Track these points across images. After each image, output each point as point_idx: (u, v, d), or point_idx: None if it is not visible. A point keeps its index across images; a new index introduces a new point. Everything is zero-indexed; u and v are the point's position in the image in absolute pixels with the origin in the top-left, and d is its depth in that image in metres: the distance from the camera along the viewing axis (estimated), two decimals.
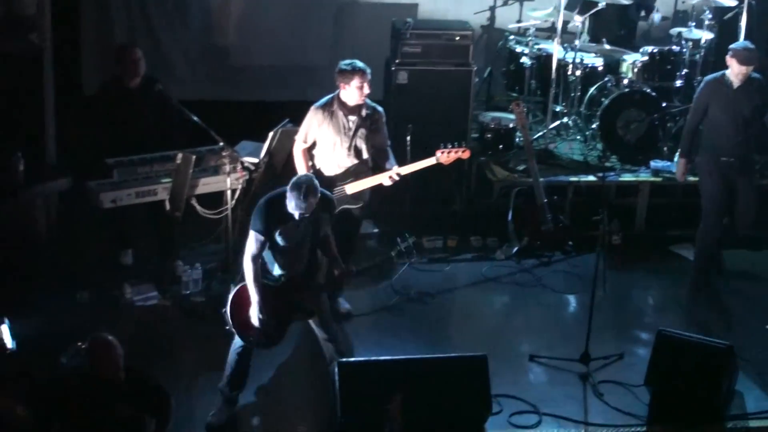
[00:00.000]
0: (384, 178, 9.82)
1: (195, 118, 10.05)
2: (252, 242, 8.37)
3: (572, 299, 10.87)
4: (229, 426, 8.64)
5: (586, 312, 9.51)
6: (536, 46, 12.87)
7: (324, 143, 9.80)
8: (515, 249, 11.43)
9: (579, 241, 11.37)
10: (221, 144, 10.04)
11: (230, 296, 8.49)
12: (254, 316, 8.39)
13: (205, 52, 13.68)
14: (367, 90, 9.67)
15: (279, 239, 8.42)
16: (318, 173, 9.75)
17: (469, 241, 11.80)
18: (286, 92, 13.61)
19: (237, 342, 8.59)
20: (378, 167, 9.97)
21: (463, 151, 9.94)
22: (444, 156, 9.90)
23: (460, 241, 11.77)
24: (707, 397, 8.82)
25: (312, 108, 9.86)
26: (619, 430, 8.78)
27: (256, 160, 10.31)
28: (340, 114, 9.73)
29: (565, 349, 9.71)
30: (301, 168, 9.81)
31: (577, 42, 12.55)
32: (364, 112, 9.76)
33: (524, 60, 12.88)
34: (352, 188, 9.80)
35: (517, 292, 10.96)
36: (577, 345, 9.53)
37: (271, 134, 10.23)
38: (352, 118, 9.74)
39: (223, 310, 8.51)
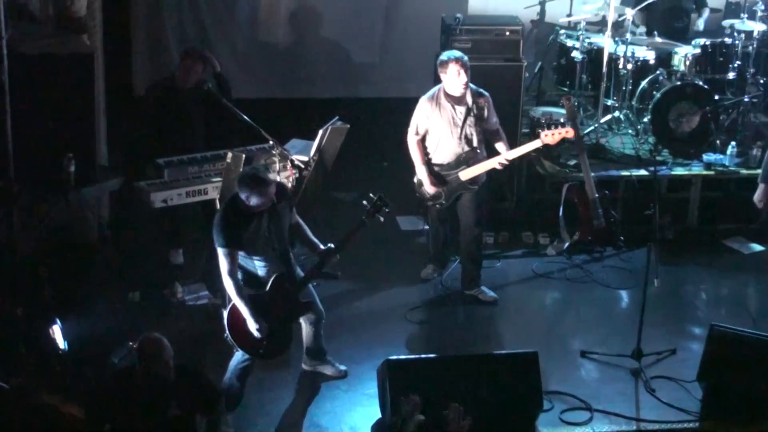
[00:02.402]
0: (494, 163, 10.09)
1: (245, 117, 10.07)
2: (223, 259, 8.34)
3: (624, 295, 10.80)
4: None
5: (638, 307, 9.46)
6: (587, 40, 12.78)
7: (434, 134, 10.11)
8: (566, 244, 11.38)
9: (630, 236, 11.31)
10: (271, 142, 10.04)
11: (225, 319, 8.45)
12: (253, 328, 8.34)
13: (255, 50, 13.72)
14: (465, 77, 9.87)
15: (247, 244, 8.40)
16: (431, 163, 10.15)
17: (520, 236, 11.77)
18: (336, 89, 13.66)
19: (239, 357, 8.57)
20: (491, 148, 10.24)
21: (566, 131, 10.13)
22: (549, 137, 10.12)
23: (511, 237, 11.75)
24: (761, 393, 8.73)
25: (420, 100, 10.17)
26: (671, 426, 8.72)
27: (306, 158, 10.30)
28: (448, 105, 10.00)
29: (617, 345, 9.66)
30: (417, 159, 10.17)
31: (628, 35, 12.46)
32: (470, 100, 10.01)
33: (575, 54, 12.80)
34: (465, 175, 10.10)
35: (568, 287, 10.92)
36: (629, 341, 9.47)
37: (321, 132, 10.22)
38: (460, 108, 10.00)
39: (225, 335, 8.47)
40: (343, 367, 9.27)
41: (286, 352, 8.86)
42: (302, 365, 9.23)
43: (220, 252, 8.35)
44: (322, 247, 8.76)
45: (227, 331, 8.41)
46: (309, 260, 9.27)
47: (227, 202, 8.66)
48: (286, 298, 8.57)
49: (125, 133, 11.47)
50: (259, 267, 8.53)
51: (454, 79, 9.88)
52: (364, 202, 8.89)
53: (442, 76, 9.97)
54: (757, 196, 10.59)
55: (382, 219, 8.92)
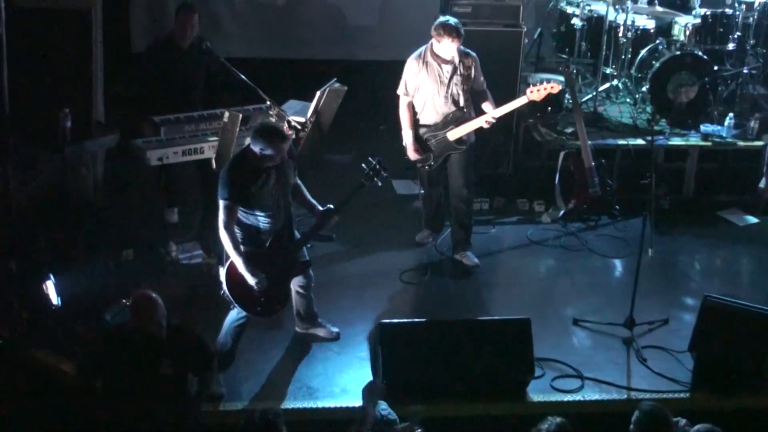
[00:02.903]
0: (481, 122, 10.12)
1: (242, 77, 10.04)
2: (222, 211, 8.29)
3: (618, 263, 10.80)
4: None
5: (632, 277, 9.47)
6: (587, 8, 12.75)
7: (421, 93, 10.13)
8: (562, 212, 11.38)
9: (626, 205, 11.32)
10: (268, 103, 10.02)
11: (223, 275, 8.44)
12: (252, 283, 8.31)
13: (254, 10, 13.68)
14: (456, 48, 9.90)
15: (254, 198, 8.35)
16: (419, 124, 10.17)
17: (516, 203, 11.77)
18: (335, 51, 13.62)
19: (234, 315, 8.56)
20: (478, 108, 10.23)
21: (551, 86, 10.10)
22: (534, 93, 10.10)
23: (506, 204, 11.76)
24: (752, 365, 8.76)
25: (408, 59, 10.18)
26: (661, 395, 8.72)
27: (303, 120, 10.28)
28: (435, 64, 10.03)
29: (610, 313, 9.67)
30: (405, 122, 10.21)
31: (628, 3, 12.41)
32: (457, 60, 10.00)
33: (575, 21, 12.77)
34: (453, 135, 10.13)
35: (562, 255, 10.93)
36: (622, 310, 9.48)
37: (318, 93, 10.19)
38: (446, 67, 10.02)
39: (222, 292, 8.46)
40: (335, 329, 9.27)
41: (281, 311, 8.85)
42: (295, 328, 9.24)
43: (221, 204, 8.30)
44: (320, 208, 8.75)
45: (224, 287, 8.40)
46: (305, 221, 9.26)
47: (237, 154, 8.63)
48: (285, 256, 8.57)
49: (123, 89, 11.42)
50: (261, 222, 8.49)
51: (446, 47, 9.89)
52: (363, 165, 8.88)
53: (435, 39, 9.94)
54: (762, 184, 10.63)
55: (380, 183, 8.92)
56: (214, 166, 9.84)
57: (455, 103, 10.10)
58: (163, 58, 10.29)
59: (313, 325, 9.23)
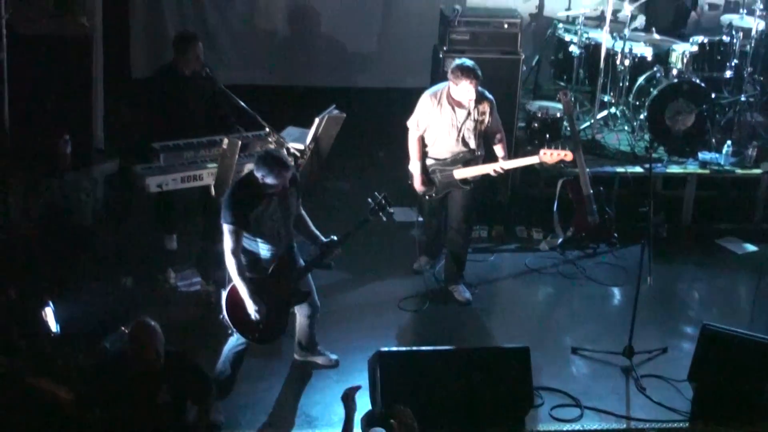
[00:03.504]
0: (489, 170, 10.11)
1: (241, 103, 10.06)
2: (228, 236, 8.28)
3: (617, 291, 10.80)
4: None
5: (630, 305, 9.46)
6: (585, 35, 12.78)
7: (432, 130, 10.11)
8: (560, 240, 11.39)
9: (624, 233, 11.32)
10: (267, 129, 10.03)
11: (224, 300, 8.43)
12: (251, 310, 8.31)
13: (253, 37, 13.70)
14: (474, 94, 9.84)
15: (254, 225, 8.36)
16: (427, 155, 10.17)
17: (514, 231, 11.77)
18: (334, 78, 13.64)
19: (233, 341, 8.55)
20: (489, 148, 10.24)
21: (565, 154, 10.15)
22: (547, 156, 10.12)
23: (505, 231, 11.76)
24: (751, 394, 8.75)
25: (423, 95, 10.15)
26: (661, 425, 8.72)
27: (301, 146, 10.28)
28: (448, 107, 9.99)
29: (609, 342, 9.66)
30: (414, 154, 10.17)
31: (626, 31, 12.44)
32: (472, 105, 9.95)
33: (573, 49, 12.80)
34: (459, 174, 10.11)
35: (561, 283, 10.92)
36: (621, 338, 9.47)
37: (317, 120, 10.20)
38: (461, 111, 9.99)
39: (221, 316, 8.46)
40: (334, 357, 9.28)
41: (280, 339, 8.84)
42: (294, 355, 9.23)
43: (226, 229, 8.29)
44: (323, 239, 8.77)
45: (224, 312, 8.39)
46: (303, 247, 9.27)
47: (240, 179, 8.67)
48: (287, 285, 8.57)
49: (123, 116, 11.43)
50: (262, 250, 8.50)
51: (463, 92, 9.83)
52: (369, 200, 8.91)
53: (452, 82, 9.87)
54: None
55: (384, 219, 8.94)
56: (213, 192, 9.86)
57: (465, 144, 10.09)
58: (167, 86, 10.29)
59: (312, 353, 9.23)
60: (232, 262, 8.28)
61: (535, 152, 10.36)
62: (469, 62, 9.88)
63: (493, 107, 10.09)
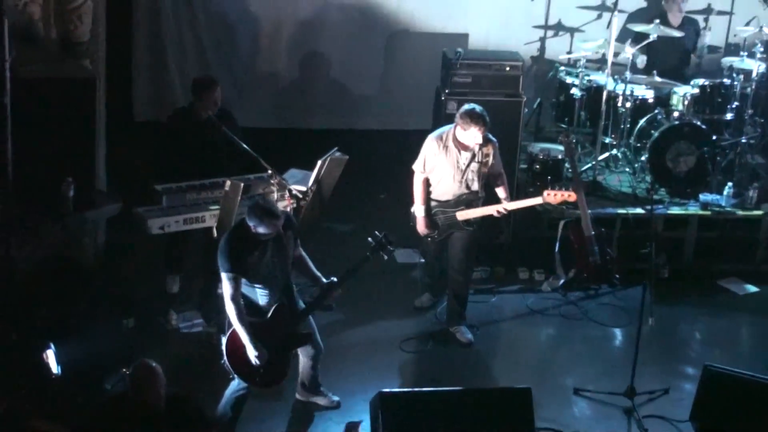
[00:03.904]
0: (492, 211, 10.19)
1: (244, 146, 10.09)
2: (226, 284, 8.35)
3: (618, 333, 10.80)
4: None
5: (632, 346, 9.47)
6: (586, 78, 12.83)
7: (437, 172, 10.18)
8: (562, 281, 11.40)
9: (626, 274, 11.31)
10: (270, 171, 10.06)
11: (224, 345, 8.46)
12: (252, 356, 8.35)
13: (255, 80, 13.75)
14: (480, 139, 9.93)
15: (251, 271, 8.43)
16: (431, 198, 10.25)
17: (516, 272, 11.78)
18: (336, 120, 13.70)
19: (235, 385, 8.59)
20: (490, 190, 10.34)
21: (569, 195, 10.26)
22: (551, 197, 10.26)
23: (507, 272, 11.77)
24: None
25: (428, 137, 10.23)
26: None
27: (304, 188, 10.31)
28: (454, 150, 10.07)
29: (610, 383, 9.66)
30: (418, 197, 10.26)
31: (627, 73, 12.49)
32: (476, 147, 10.03)
33: (574, 91, 12.84)
34: (462, 215, 10.19)
35: (562, 324, 10.93)
36: (623, 379, 9.48)
37: (319, 162, 10.23)
38: (465, 154, 10.07)
39: (222, 361, 8.49)
40: (336, 398, 9.28)
41: (282, 383, 8.83)
42: (296, 395, 9.23)
43: (224, 277, 8.36)
44: (324, 280, 8.81)
45: (225, 357, 8.41)
46: (304, 290, 9.29)
47: (234, 226, 8.75)
48: (287, 328, 8.58)
49: (126, 158, 11.46)
50: (260, 295, 8.55)
51: (471, 137, 9.92)
52: (369, 239, 8.94)
53: (460, 127, 9.94)
54: None
55: (386, 257, 8.97)
56: (215, 234, 9.88)
57: (468, 186, 10.15)
58: (185, 129, 10.31)
59: (314, 394, 9.24)
60: (232, 309, 8.33)
61: (538, 193, 10.42)
62: (478, 108, 9.95)
63: (496, 149, 10.16)
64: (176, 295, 10.71)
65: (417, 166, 10.24)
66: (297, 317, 8.69)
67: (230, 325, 8.43)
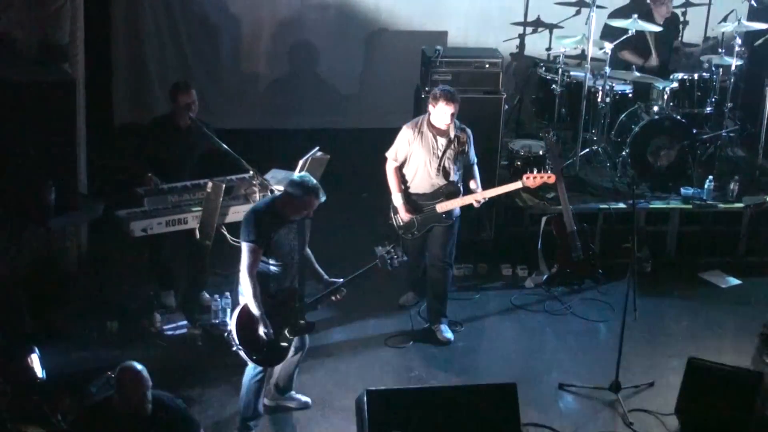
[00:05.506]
0: (472, 200, 10.20)
1: (225, 147, 10.09)
2: (246, 254, 8.36)
3: (602, 327, 10.83)
4: None
5: (616, 340, 9.48)
6: (566, 74, 12.86)
7: (413, 162, 10.19)
8: (545, 277, 11.41)
9: (609, 269, 11.33)
10: (251, 172, 10.06)
11: (234, 316, 8.46)
12: (261, 331, 8.34)
13: (236, 81, 13.75)
14: (451, 115, 9.97)
15: (273, 246, 8.44)
16: (409, 192, 10.24)
17: (499, 268, 11.79)
18: (317, 120, 13.70)
19: (251, 371, 8.61)
20: (464, 184, 10.31)
21: (548, 176, 10.30)
22: (530, 180, 10.27)
23: (490, 269, 11.78)
24: (737, 426, 8.76)
25: (403, 127, 10.25)
26: None
27: None
28: (429, 135, 10.10)
29: (596, 377, 9.70)
30: (393, 186, 10.27)
31: (606, 69, 12.52)
32: (452, 134, 10.07)
33: (554, 87, 12.87)
34: (442, 207, 10.18)
35: (546, 320, 10.95)
36: (608, 373, 9.51)
37: (301, 162, 10.23)
38: (441, 139, 10.09)
39: (227, 331, 8.49)
40: (305, 398, 9.28)
41: (277, 365, 8.87)
42: (264, 401, 9.07)
43: (246, 246, 8.37)
44: (326, 277, 8.87)
45: (233, 329, 8.39)
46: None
47: (266, 201, 8.80)
48: (293, 314, 8.61)
49: (106, 161, 11.43)
50: (274, 273, 8.56)
51: (441, 114, 9.95)
52: (378, 247, 8.96)
53: (431, 107, 10.03)
54: None
55: (390, 268, 8.99)
56: (197, 236, 9.87)
57: (446, 176, 10.16)
58: (164, 136, 10.30)
59: (284, 398, 9.24)
60: (247, 281, 8.35)
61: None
62: (448, 87, 10.07)
63: (471, 140, 10.22)
64: (172, 310, 10.60)
65: (390, 153, 10.26)
66: (307, 305, 8.73)
67: (242, 298, 8.45)
